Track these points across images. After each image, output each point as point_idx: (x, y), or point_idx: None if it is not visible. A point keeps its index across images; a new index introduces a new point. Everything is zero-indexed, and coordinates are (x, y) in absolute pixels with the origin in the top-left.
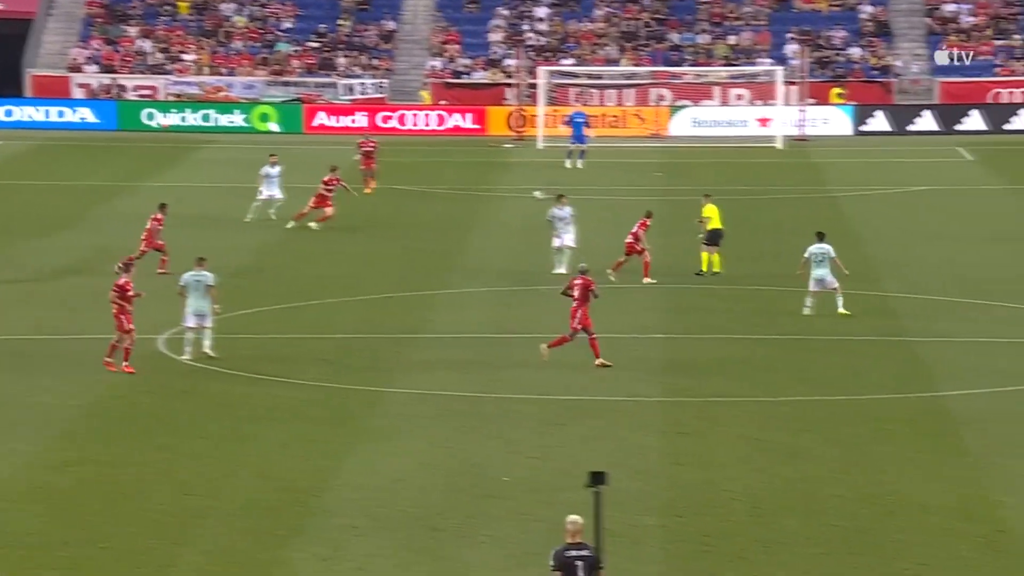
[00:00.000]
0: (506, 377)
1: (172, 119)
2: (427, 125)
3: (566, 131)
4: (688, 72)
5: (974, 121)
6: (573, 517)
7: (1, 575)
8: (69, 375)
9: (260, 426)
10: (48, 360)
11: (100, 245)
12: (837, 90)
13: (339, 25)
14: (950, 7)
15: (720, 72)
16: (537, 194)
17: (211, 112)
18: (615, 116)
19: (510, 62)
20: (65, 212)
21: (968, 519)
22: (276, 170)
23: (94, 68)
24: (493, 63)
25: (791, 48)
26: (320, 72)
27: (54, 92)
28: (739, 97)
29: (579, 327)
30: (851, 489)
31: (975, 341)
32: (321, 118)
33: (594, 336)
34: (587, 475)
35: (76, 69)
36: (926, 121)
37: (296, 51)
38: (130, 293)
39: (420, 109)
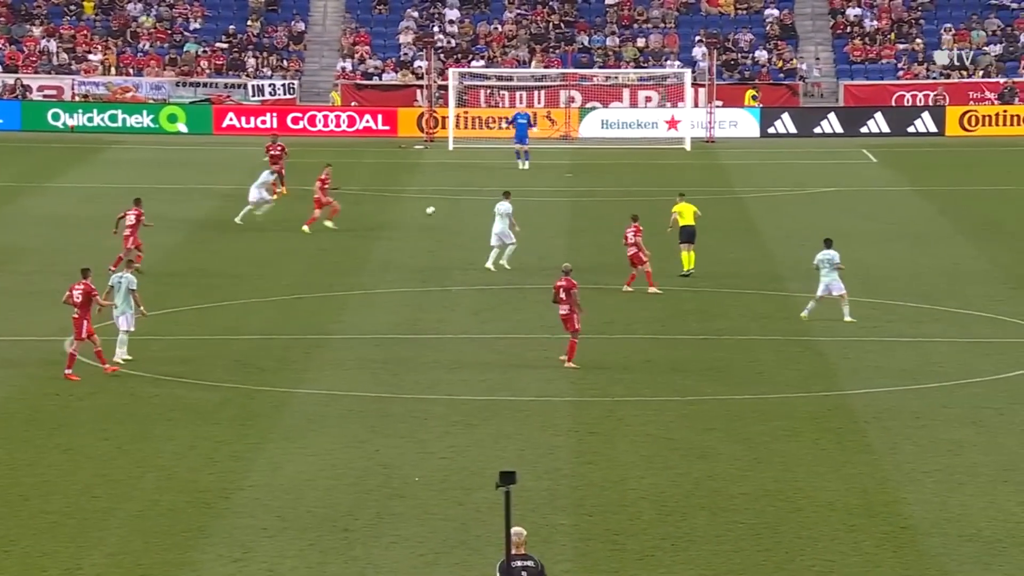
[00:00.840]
0: (416, 377)
1: (79, 119)
2: (338, 126)
3: (507, 132)
4: (597, 74)
5: (877, 123)
6: (517, 529)
7: None
8: None
9: (166, 428)
10: None
11: (5, 244)
12: (751, 92)
13: (248, 26)
14: (854, 11)
15: (629, 74)
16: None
17: (119, 112)
18: None
19: (420, 64)
20: None
21: (872, 515)
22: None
23: None
24: (403, 65)
25: (699, 51)
26: (229, 73)
27: None
28: (648, 99)
29: (579, 327)
30: (757, 487)
31: (879, 340)
32: (231, 119)
33: (576, 340)
34: (497, 474)
35: None
36: (831, 123)
37: (205, 52)
38: (98, 298)
39: (330, 110)
